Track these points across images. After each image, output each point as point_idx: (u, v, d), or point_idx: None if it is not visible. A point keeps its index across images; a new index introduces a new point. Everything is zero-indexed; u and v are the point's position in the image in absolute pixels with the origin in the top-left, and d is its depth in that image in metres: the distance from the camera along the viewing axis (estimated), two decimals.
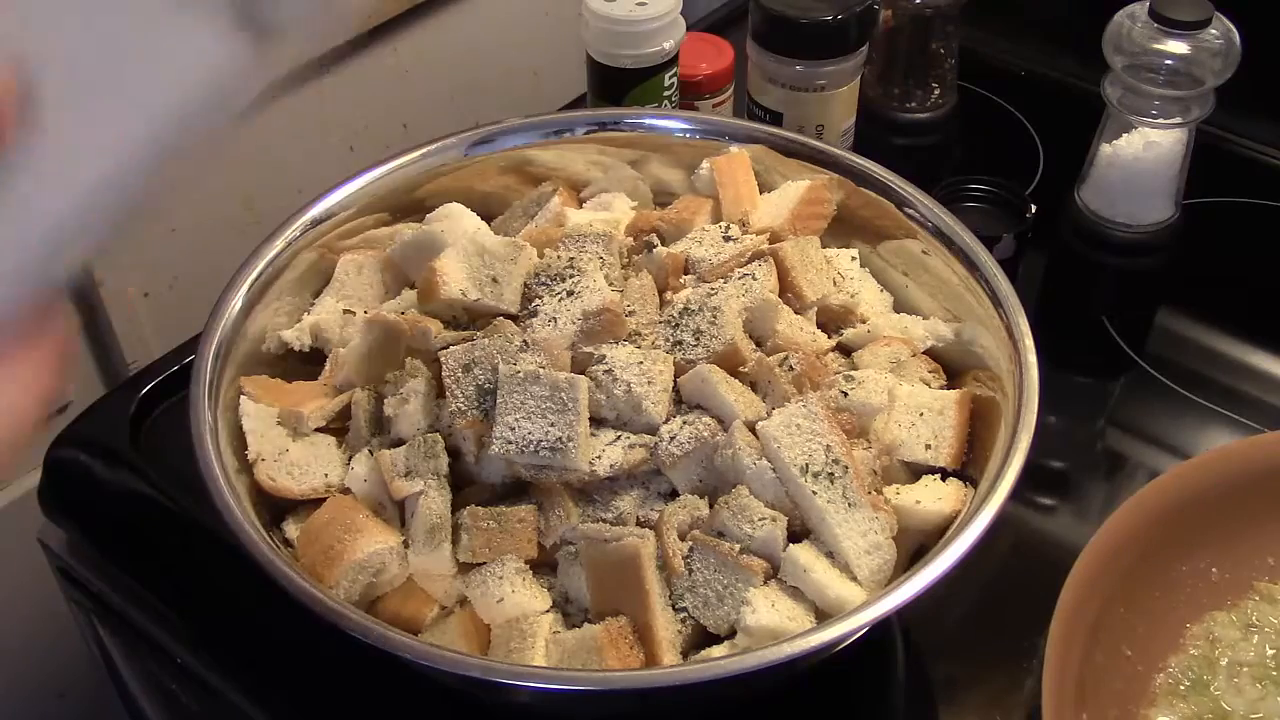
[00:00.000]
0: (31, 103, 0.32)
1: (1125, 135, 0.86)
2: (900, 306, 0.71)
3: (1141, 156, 0.86)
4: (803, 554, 0.55)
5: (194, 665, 0.67)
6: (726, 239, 0.67)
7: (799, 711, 0.63)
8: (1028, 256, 0.82)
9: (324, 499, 0.60)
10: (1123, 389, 0.83)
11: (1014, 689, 0.64)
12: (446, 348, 0.60)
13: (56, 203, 0.33)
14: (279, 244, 0.67)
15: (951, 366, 0.67)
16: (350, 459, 0.61)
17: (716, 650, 0.55)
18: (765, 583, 0.56)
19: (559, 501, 0.58)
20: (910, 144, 0.98)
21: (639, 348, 0.61)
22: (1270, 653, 0.62)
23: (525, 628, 0.56)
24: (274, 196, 0.85)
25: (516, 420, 0.57)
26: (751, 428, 0.58)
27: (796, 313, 0.66)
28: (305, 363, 0.67)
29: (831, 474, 0.56)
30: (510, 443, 0.57)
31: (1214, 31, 0.81)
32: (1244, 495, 0.65)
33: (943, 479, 0.61)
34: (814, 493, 0.56)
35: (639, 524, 0.58)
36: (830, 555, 0.56)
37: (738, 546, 0.56)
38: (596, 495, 0.58)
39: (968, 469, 0.62)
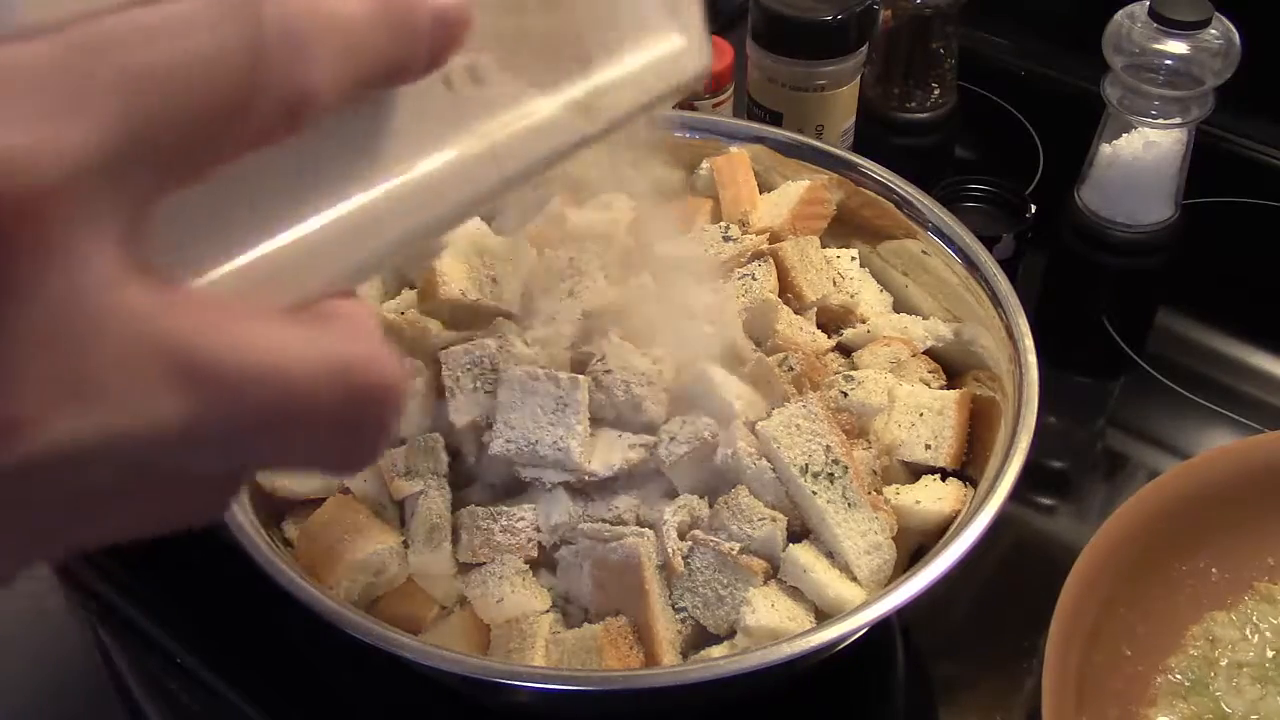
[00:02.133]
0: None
1: (1125, 135, 0.86)
2: (900, 306, 0.71)
3: (1141, 156, 0.86)
4: (802, 554, 0.55)
5: (194, 665, 0.67)
6: (726, 239, 0.67)
7: (799, 711, 0.62)
8: (1028, 256, 0.82)
9: (324, 499, 0.59)
10: (1123, 389, 0.83)
11: (1014, 689, 0.64)
12: (446, 348, 0.60)
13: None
14: None
15: (951, 366, 0.67)
16: None
17: (716, 650, 0.55)
18: (765, 583, 0.56)
19: (559, 501, 0.58)
20: (910, 144, 0.98)
21: (639, 348, 0.61)
22: (1270, 653, 0.62)
23: (525, 628, 0.56)
24: None
25: (516, 420, 0.57)
26: (751, 428, 0.58)
27: (796, 313, 0.66)
28: None
29: (831, 474, 0.56)
30: (510, 443, 0.57)
31: (1214, 31, 0.81)
32: (1244, 495, 0.65)
33: (943, 479, 0.61)
34: (814, 493, 0.56)
35: (639, 524, 0.58)
36: (830, 555, 0.56)
37: (738, 546, 0.56)
38: (596, 495, 0.58)
39: (968, 469, 0.62)
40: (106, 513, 0.22)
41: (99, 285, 0.19)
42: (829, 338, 0.67)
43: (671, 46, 0.34)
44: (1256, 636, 0.63)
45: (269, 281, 0.24)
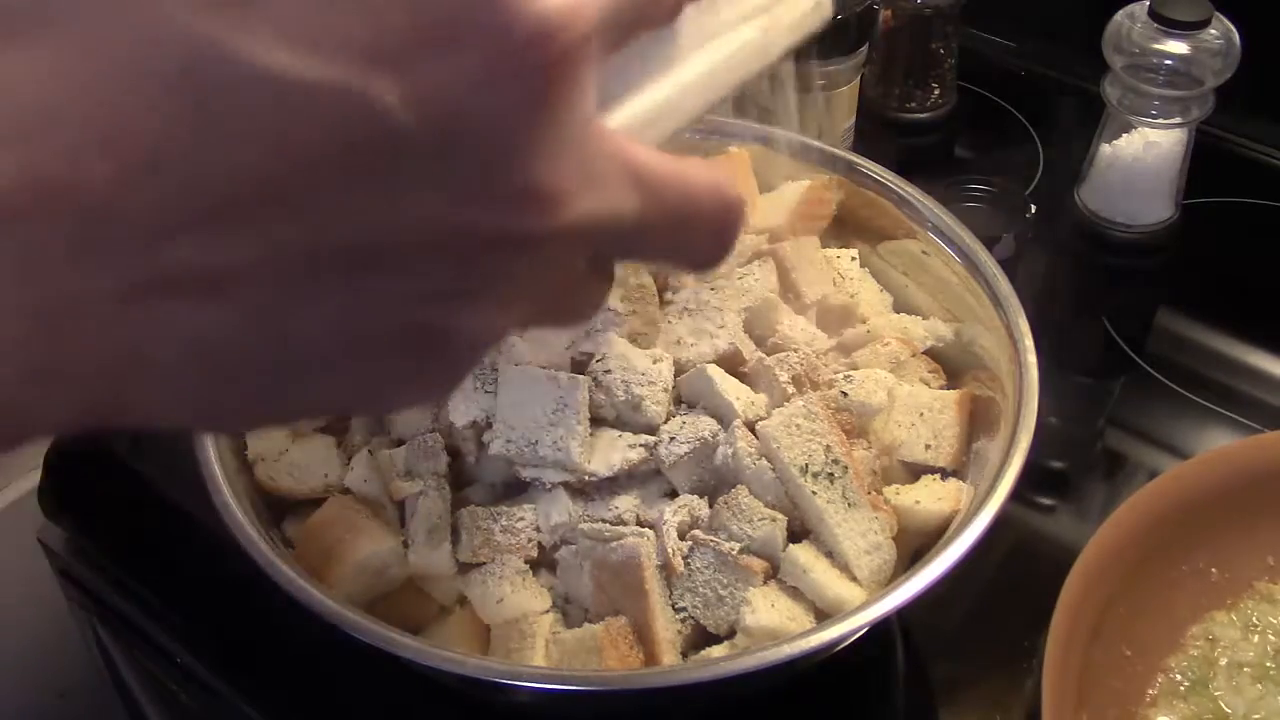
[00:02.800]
0: None
1: (1125, 135, 0.86)
2: (900, 306, 0.71)
3: (1141, 156, 0.86)
4: (802, 554, 0.55)
5: (194, 665, 0.67)
6: None
7: (799, 711, 0.63)
8: (1028, 256, 0.82)
9: (324, 499, 0.60)
10: (1123, 389, 0.83)
11: (1014, 689, 0.64)
12: None
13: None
14: None
15: (951, 366, 0.67)
16: (350, 459, 0.61)
17: (716, 650, 0.55)
18: (765, 583, 0.56)
19: (559, 501, 0.58)
20: (910, 144, 0.98)
21: (639, 348, 0.61)
22: (1270, 653, 0.62)
23: (525, 628, 0.56)
24: None
25: (516, 420, 0.57)
26: (751, 428, 0.58)
27: (796, 313, 0.66)
28: None
29: (831, 474, 0.56)
30: (510, 442, 0.57)
31: (1214, 31, 0.82)
32: (1244, 495, 0.65)
33: (943, 479, 0.61)
34: (814, 493, 0.56)
35: (639, 524, 0.58)
36: (830, 555, 0.56)
37: (738, 546, 0.56)
38: (596, 495, 0.58)
39: (968, 469, 0.62)
40: (567, 292, 0.31)
41: (592, 112, 0.28)
42: (829, 338, 0.66)
43: None
44: (1256, 636, 0.63)
45: (638, 128, 0.33)
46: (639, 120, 0.34)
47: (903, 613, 0.54)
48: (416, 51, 0.24)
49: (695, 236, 0.32)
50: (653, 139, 0.34)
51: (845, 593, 0.55)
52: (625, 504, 0.58)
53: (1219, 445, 0.74)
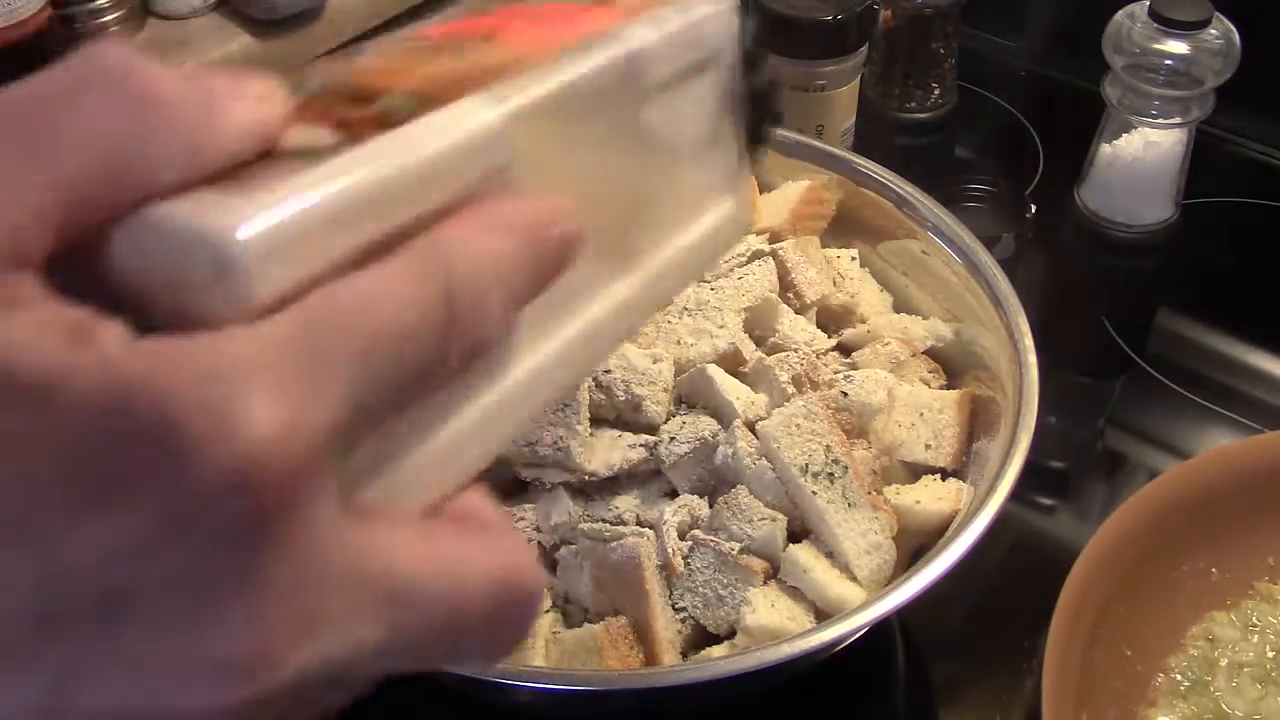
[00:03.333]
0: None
1: (1125, 135, 0.86)
2: (900, 306, 0.71)
3: (1141, 156, 0.86)
4: (802, 554, 0.55)
5: None
6: None
7: (799, 711, 0.62)
8: (1028, 256, 0.82)
9: None
10: (1123, 389, 0.83)
11: (1014, 689, 0.64)
12: None
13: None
14: None
15: (951, 366, 0.67)
16: None
17: (716, 650, 0.55)
18: (765, 583, 0.56)
19: (559, 501, 0.58)
20: (910, 144, 0.98)
21: (639, 348, 0.61)
22: (1270, 653, 0.62)
23: None
24: None
25: None
26: (751, 428, 0.58)
27: (797, 313, 0.66)
28: None
29: (831, 474, 0.56)
30: (510, 442, 0.57)
31: (1214, 31, 0.82)
32: (1244, 495, 0.65)
33: (943, 479, 0.61)
34: (814, 493, 0.56)
35: (639, 524, 0.58)
36: (830, 555, 0.56)
37: (738, 546, 0.56)
38: (596, 495, 0.58)
39: (968, 469, 0.62)
40: (294, 715, 0.24)
41: (327, 530, 0.22)
42: (829, 338, 0.67)
43: (725, 210, 0.36)
44: (1256, 636, 0.63)
45: (416, 488, 0.26)
46: (437, 458, 0.26)
47: (903, 613, 0.54)
48: (65, 515, 0.20)
49: (468, 640, 0.25)
50: (465, 470, 0.28)
51: (845, 593, 0.55)
52: (625, 504, 0.58)
53: (1219, 445, 0.74)
